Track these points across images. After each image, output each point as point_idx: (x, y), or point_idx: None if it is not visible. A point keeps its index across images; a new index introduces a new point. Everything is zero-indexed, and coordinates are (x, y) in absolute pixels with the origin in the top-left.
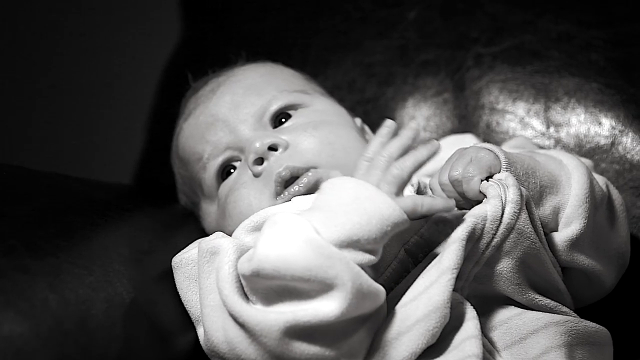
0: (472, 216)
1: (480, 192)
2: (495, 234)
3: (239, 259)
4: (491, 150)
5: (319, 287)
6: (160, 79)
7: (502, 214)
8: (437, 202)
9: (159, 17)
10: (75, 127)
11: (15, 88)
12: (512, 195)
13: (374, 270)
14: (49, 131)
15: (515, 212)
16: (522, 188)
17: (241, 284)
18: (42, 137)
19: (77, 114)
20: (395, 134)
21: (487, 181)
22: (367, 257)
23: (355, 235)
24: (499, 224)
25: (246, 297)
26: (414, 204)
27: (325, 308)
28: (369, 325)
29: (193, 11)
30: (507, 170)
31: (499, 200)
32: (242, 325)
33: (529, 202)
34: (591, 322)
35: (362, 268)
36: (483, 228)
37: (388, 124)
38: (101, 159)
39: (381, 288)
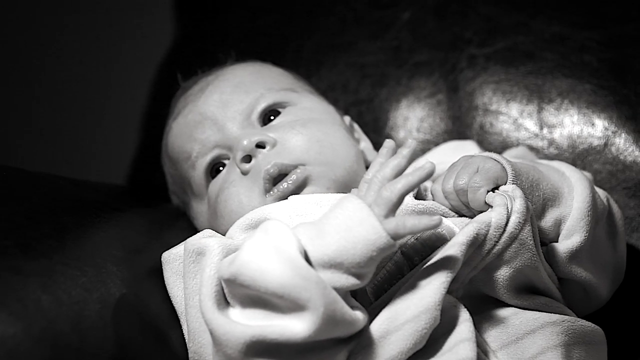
0: (476, 222)
1: (486, 203)
2: (497, 242)
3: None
4: (498, 161)
5: (291, 306)
6: (153, 80)
7: (507, 222)
8: (421, 221)
9: (152, 18)
10: (68, 128)
11: (8, 89)
12: (518, 205)
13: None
14: (41, 132)
15: (520, 222)
16: (529, 202)
17: (220, 288)
18: (35, 138)
19: (70, 115)
20: (394, 153)
21: (493, 192)
22: (350, 281)
23: (339, 257)
24: (502, 232)
25: (225, 301)
26: (396, 226)
27: (293, 328)
28: (344, 346)
29: (187, 12)
30: (513, 183)
31: (504, 208)
32: (210, 332)
33: (532, 216)
34: (587, 322)
35: (347, 291)
36: (486, 234)
37: (387, 145)
38: (94, 159)
39: (359, 316)
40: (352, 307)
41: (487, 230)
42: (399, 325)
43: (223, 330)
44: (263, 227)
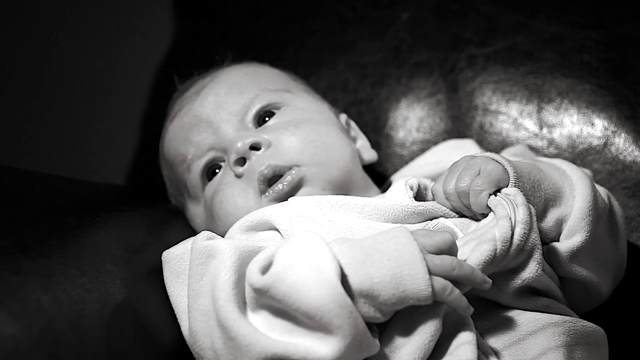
0: (487, 241)
1: (487, 206)
2: (506, 255)
3: (241, 262)
4: (500, 163)
5: (319, 328)
6: (153, 80)
7: (512, 234)
8: (463, 302)
9: (152, 19)
10: (67, 128)
11: (7, 89)
12: (521, 215)
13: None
14: (40, 132)
15: (525, 233)
16: (531, 206)
17: (239, 291)
18: (34, 138)
19: (70, 115)
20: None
21: (495, 196)
22: (376, 315)
23: (376, 291)
24: (510, 246)
25: (243, 303)
26: (444, 289)
27: (317, 351)
28: None
29: (186, 13)
30: (515, 185)
31: (508, 220)
32: (231, 339)
33: (535, 221)
34: (588, 322)
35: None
36: (495, 251)
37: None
38: (93, 159)
39: (377, 343)
40: (371, 332)
41: (496, 248)
42: (407, 339)
43: (246, 341)
44: (300, 239)
